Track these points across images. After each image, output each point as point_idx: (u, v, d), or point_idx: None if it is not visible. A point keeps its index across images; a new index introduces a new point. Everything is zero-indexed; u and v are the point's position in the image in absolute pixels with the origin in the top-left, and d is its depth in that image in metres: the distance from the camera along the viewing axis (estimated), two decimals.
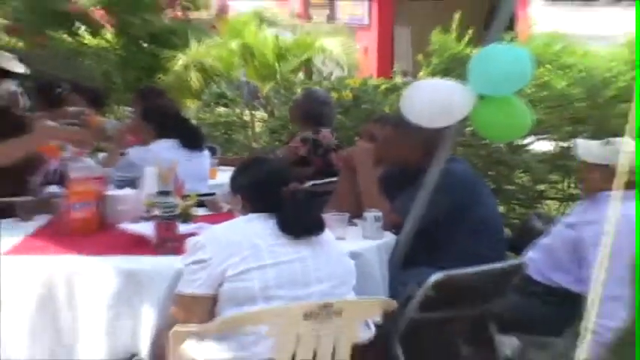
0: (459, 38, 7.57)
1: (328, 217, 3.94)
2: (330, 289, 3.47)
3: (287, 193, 3.60)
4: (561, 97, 6.84)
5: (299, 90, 8.45)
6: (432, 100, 4.10)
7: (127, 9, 10.95)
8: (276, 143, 8.28)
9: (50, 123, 5.37)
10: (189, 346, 3.36)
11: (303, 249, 3.48)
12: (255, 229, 3.46)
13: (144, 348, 3.60)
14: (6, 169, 4.58)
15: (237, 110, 9.95)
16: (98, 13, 11.26)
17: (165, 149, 5.87)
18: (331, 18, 16.10)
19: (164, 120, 6.25)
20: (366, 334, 3.51)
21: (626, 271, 3.88)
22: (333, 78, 9.51)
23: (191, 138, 6.19)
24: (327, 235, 3.64)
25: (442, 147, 4.20)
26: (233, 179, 3.76)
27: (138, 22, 10.90)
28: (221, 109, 10.21)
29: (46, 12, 10.94)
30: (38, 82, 7.79)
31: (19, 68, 6.26)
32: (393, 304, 3.55)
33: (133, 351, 3.63)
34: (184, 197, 4.50)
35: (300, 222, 3.52)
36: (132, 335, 3.61)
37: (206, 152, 6.38)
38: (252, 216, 3.54)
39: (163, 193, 4.19)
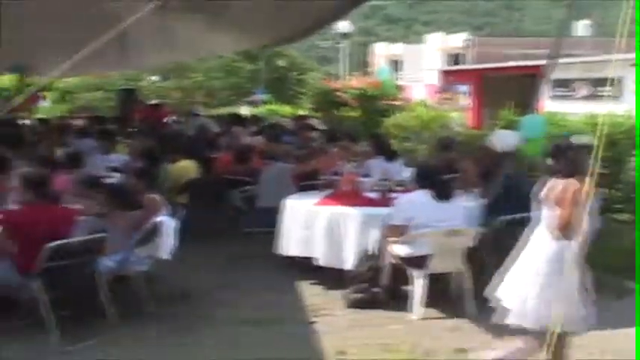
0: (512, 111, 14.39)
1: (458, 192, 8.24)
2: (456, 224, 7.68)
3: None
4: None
5: None
6: (504, 138, 8.50)
7: (369, 99, 20.59)
8: None
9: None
10: (394, 247, 7.72)
11: (444, 205, 7.72)
12: (421, 196, 7.79)
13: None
14: None
15: None
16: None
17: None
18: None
19: None
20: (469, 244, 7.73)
21: None
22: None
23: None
24: (456, 199, 7.91)
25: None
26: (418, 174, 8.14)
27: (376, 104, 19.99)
28: None
29: (332, 101, 21.95)
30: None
31: None
32: (481, 230, 7.79)
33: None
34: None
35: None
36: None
37: None
38: (420, 191, 7.89)
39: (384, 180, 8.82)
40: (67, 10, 15.36)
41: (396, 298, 7.75)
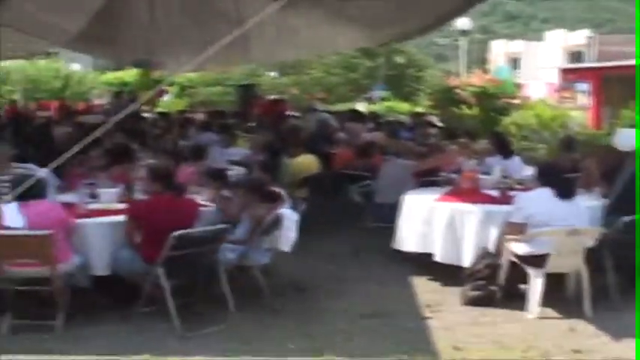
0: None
1: (580, 192, 8.13)
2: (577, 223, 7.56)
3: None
4: None
5: None
6: (627, 137, 8.37)
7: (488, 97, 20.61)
8: None
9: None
10: (513, 245, 7.68)
11: (566, 204, 7.63)
12: (542, 194, 7.73)
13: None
14: None
15: None
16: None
17: None
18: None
19: None
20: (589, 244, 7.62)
21: None
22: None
23: None
24: (578, 198, 7.81)
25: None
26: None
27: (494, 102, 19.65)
28: None
29: (450, 98, 21.74)
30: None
31: None
32: (602, 230, 7.68)
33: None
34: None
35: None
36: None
37: None
38: (541, 189, 7.82)
39: (504, 177, 8.75)
40: (192, 8, 15.77)
41: (512, 297, 7.69)
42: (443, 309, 7.65)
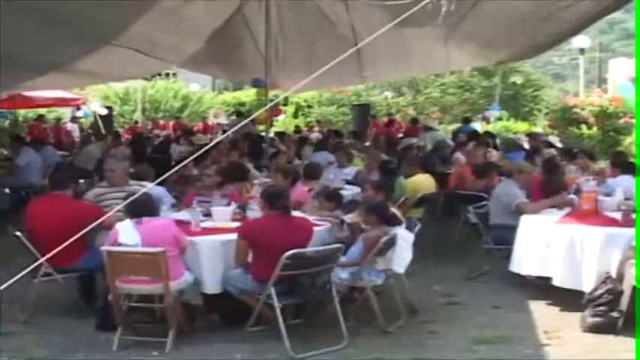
0: None
1: None
2: None
3: None
4: None
5: None
6: None
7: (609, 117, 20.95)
8: None
9: None
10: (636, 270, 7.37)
11: None
12: None
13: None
14: None
15: None
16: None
17: None
18: None
19: None
20: None
21: None
22: None
23: None
24: None
25: None
26: None
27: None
28: None
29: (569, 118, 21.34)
30: None
31: None
32: None
33: None
34: None
35: None
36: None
37: None
38: None
39: (627, 199, 8.43)
40: (307, 29, 15.90)
41: (635, 324, 7.35)
42: (561, 335, 7.37)
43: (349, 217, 8.30)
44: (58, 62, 12.49)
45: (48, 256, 5.37)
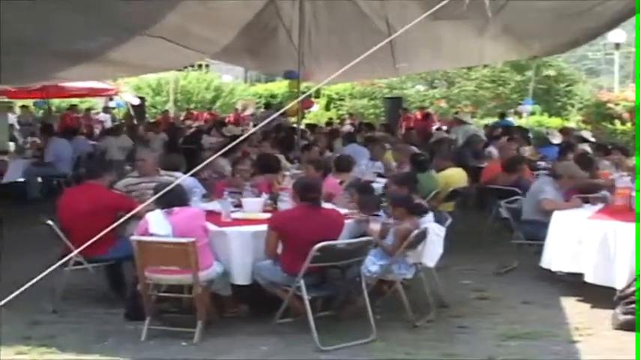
0: None
1: None
2: None
3: None
4: None
5: None
6: None
7: None
8: None
9: None
10: None
11: None
12: None
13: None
14: None
15: None
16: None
17: None
18: None
19: None
20: None
21: None
22: None
23: None
24: None
25: None
26: None
27: None
28: None
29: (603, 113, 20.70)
30: None
31: None
32: None
33: None
34: None
35: None
36: None
37: None
38: None
39: None
40: (341, 22, 15.86)
41: None
42: (592, 332, 7.28)
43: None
44: (90, 51, 12.51)
45: (82, 247, 5.37)
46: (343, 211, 7.82)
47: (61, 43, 11.16)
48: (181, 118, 30.58)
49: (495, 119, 26.40)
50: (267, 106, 28.47)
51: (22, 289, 4.25)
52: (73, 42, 11.31)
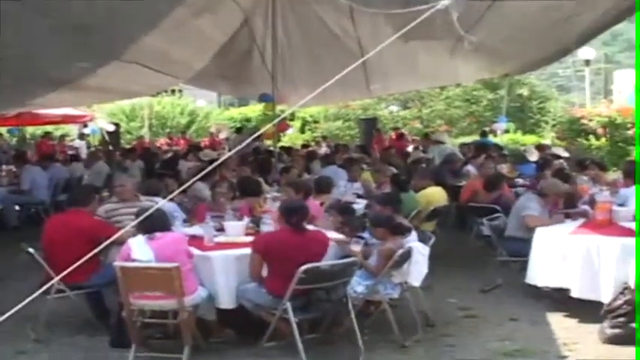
0: None
1: None
2: None
3: None
4: None
5: None
6: None
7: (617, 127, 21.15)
8: None
9: None
10: None
11: None
12: None
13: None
14: None
15: None
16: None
17: None
18: None
19: None
20: None
21: None
22: None
23: None
24: None
25: None
26: None
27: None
28: None
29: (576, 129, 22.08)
30: None
31: None
32: None
33: None
34: None
35: None
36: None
37: None
38: None
39: None
40: (313, 44, 15.90)
41: None
42: (580, 347, 7.28)
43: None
44: (67, 77, 12.46)
45: (63, 274, 5.29)
46: (329, 233, 7.78)
47: (38, 70, 11.09)
48: (158, 144, 30.47)
49: (471, 137, 26.52)
50: (239, 130, 28.43)
51: (4, 317, 4.15)
52: (50, 68, 11.25)
